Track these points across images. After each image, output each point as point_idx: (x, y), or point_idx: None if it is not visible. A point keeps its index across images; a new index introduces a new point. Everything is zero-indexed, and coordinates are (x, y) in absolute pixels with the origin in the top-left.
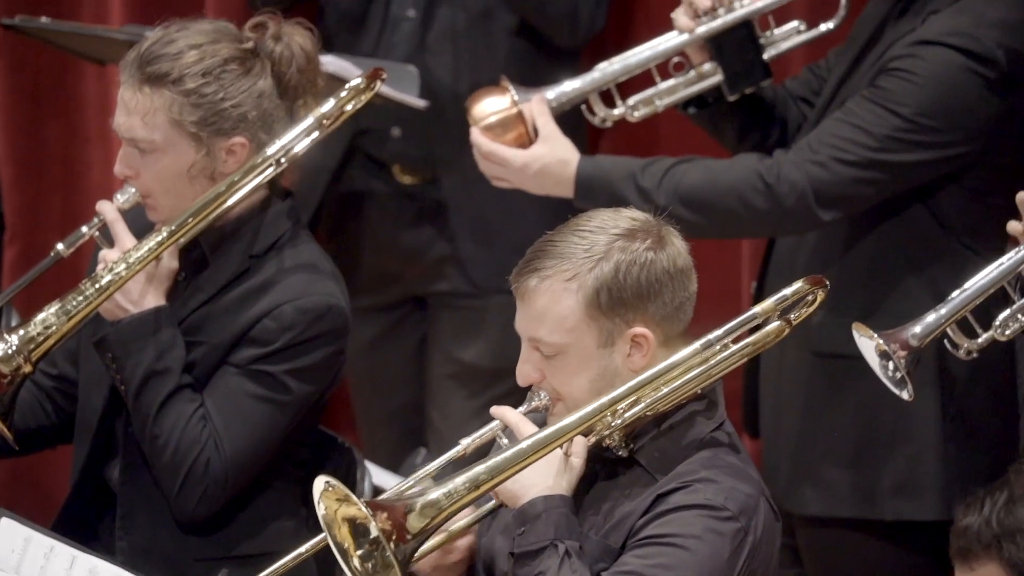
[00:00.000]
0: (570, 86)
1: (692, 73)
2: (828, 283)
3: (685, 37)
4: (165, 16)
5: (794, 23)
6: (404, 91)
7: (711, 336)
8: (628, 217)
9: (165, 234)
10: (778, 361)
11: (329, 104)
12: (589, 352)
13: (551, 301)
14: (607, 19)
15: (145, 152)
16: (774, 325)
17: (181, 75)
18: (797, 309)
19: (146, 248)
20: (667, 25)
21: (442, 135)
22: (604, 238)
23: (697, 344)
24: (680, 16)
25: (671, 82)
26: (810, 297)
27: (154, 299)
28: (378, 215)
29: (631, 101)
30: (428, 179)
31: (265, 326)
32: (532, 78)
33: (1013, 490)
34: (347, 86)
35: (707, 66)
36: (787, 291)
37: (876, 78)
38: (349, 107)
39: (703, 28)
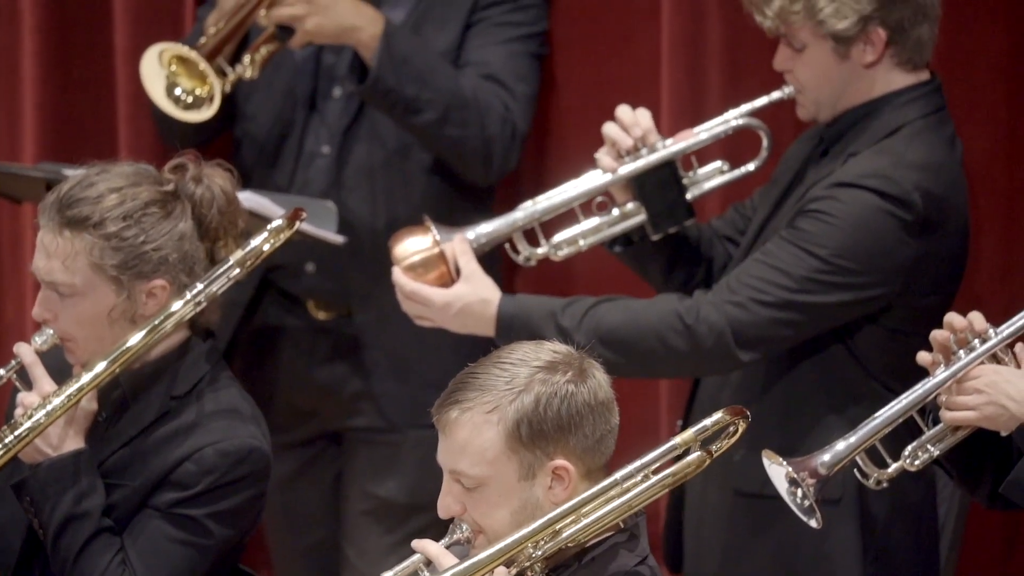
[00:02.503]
0: (492, 225)
1: (616, 212)
2: (749, 413)
3: (608, 177)
4: (78, 151)
5: (717, 163)
6: (322, 227)
7: (631, 467)
8: (550, 350)
9: (85, 379)
10: (701, 498)
11: (249, 245)
12: (510, 485)
13: (472, 433)
14: (521, 157)
15: (65, 296)
16: (694, 456)
17: (102, 219)
18: (719, 440)
19: (66, 394)
20: (581, 164)
21: (357, 270)
22: (525, 370)
23: (617, 475)
24: (603, 156)
25: (595, 221)
26: (731, 428)
27: (73, 442)
28: (292, 351)
29: (555, 240)
30: (343, 314)
31: (186, 469)
32: (447, 215)
33: None
34: (268, 227)
35: (630, 205)
36: (707, 421)
37: (795, 219)
38: (267, 247)
39: (626, 168)
